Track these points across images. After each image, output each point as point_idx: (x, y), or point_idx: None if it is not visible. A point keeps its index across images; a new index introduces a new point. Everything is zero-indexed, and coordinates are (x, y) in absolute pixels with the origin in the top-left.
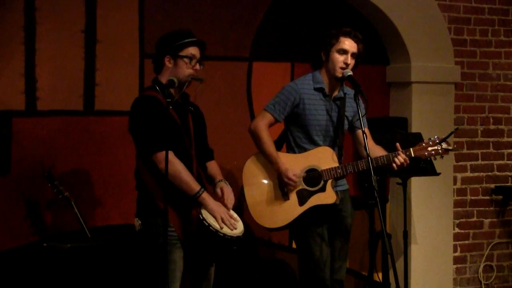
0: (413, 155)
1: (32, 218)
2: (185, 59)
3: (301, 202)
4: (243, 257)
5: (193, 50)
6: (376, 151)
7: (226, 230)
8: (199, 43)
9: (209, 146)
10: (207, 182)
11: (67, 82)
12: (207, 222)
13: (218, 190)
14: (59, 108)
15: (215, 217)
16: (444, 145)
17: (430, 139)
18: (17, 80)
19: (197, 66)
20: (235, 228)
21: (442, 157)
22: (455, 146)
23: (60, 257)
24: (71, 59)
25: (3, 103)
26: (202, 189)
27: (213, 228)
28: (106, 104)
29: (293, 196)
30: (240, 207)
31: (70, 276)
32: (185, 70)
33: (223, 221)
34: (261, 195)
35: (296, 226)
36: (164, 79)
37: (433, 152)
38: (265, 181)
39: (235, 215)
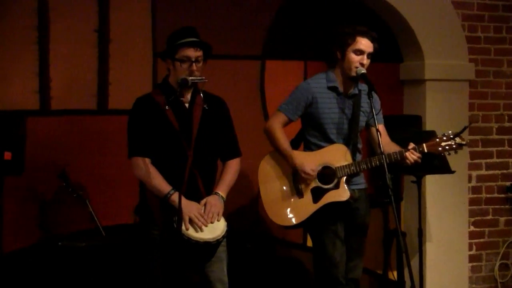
0: (426, 150)
1: (47, 217)
2: (179, 62)
3: (315, 199)
4: (258, 255)
5: (186, 52)
6: (391, 148)
7: (191, 232)
8: (193, 44)
9: (232, 141)
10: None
11: (81, 81)
12: (176, 225)
13: (202, 202)
14: (72, 108)
15: (182, 218)
16: (457, 140)
17: (444, 134)
18: (31, 79)
19: (193, 67)
20: (203, 229)
21: (456, 152)
22: (468, 141)
23: (75, 255)
24: (84, 58)
25: (17, 102)
26: (172, 191)
27: (182, 232)
28: (119, 103)
29: (307, 194)
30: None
31: (85, 275)
32: (181, 72)
33: (191, 221)
34: (275, 193)
35: (311, 223)
36: (171, 79)
37: (447, 147)
38: (280, 180)
39: (212, 215)
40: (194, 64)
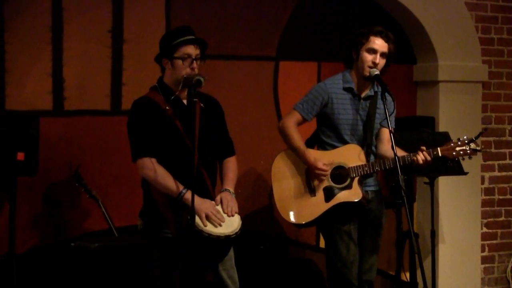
0: (440, 154)
1: (60, 218)
2: (179, 60)
3: (327, 199)
4: (271, 256)
5: (187, 50)
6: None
7: (210, 228)
8: (193, 41)
9: (227, 140)
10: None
11: (94, 82)
12: (191, 221)
13: (218, 199)
14: (86, 108)
15: (199, 215)
16: (472, 146)
17: (459, 139)
18: (45, 80)
19: (194, 65)
20: (221, 225)
21: (470, 157)
22: (482, 146)
23: (87, 256)
24: (98, 59)
25: (31, 103)
26: (185, 190)
27: (198, 227)
28: None
29: (320, 193)
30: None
31: (98, 276)
32: (182, 70)
33: (208, 218)
34: (288, 190)
35: (324, 223)
36: (167, 79)
37: (461, 152)
38: (293, 177)
39: (231, 209)
40: (194, 61)
